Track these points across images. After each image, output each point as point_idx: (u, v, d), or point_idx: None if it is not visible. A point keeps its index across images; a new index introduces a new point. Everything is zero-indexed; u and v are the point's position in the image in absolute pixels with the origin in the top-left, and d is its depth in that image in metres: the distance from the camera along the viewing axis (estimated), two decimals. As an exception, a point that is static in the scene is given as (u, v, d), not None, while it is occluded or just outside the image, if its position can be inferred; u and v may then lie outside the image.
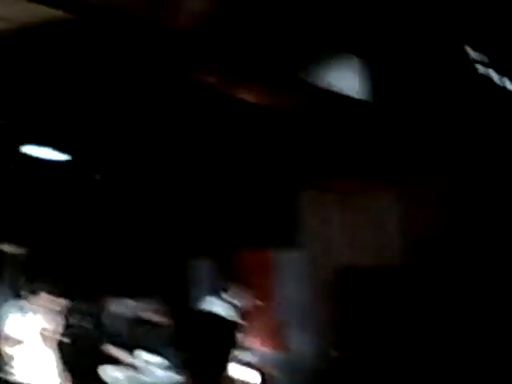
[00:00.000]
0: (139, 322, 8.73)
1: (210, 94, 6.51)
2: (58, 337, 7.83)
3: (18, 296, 7.83)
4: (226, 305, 9.57)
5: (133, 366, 8.43)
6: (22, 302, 7.73)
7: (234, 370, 3.14)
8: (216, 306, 9.37)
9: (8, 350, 7.55)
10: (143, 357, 8.52)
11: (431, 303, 9.20)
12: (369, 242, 10.22)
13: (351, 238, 10.33)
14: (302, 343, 10.35)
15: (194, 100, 6.90)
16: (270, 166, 9.43)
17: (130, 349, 8.54)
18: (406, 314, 9.39)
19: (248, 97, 6.61)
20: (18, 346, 7.56)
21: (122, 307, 10.12)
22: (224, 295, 9.61)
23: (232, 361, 3.27)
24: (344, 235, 10.36)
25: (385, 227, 10.21)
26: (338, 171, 9.75)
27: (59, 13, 5.25)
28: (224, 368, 3.24)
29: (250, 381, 9.31)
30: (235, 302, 9.63)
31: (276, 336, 10.52)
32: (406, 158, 9.27)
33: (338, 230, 10.36)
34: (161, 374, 8.51)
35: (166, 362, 8.52)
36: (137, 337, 8.59)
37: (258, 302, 10.31)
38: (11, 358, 7.54)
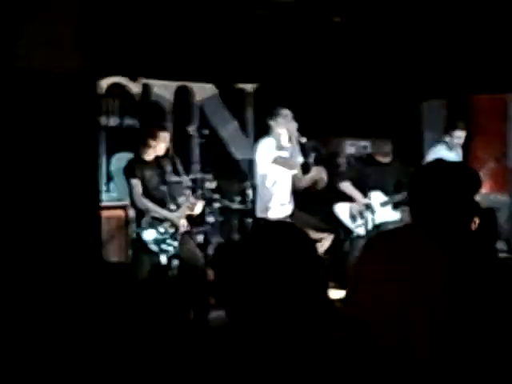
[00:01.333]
0: (372, 162, 8.84)
1: None
2: (286, 172, 8.05)
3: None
4: (454, 151, 9.49)
5: (366, 205, 8.64)
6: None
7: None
8: (444, 153, 9.31)
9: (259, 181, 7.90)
10: (375, 196, 8.70)
11: None
12: None
13: None
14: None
15: None
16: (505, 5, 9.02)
17: (363, 188, 8.72)
18: None
19: None
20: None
21: (356, 148, 10.33)
22: (453, 139, 9.47)
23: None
24: None
25: None
26: None
27: None
28: (455, 218, 3.22)
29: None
30: (460, 141, 9.48)
31: (502, 180, 10.39)
32: None
33: None
34: (391, 213, 8.68)
35: (395, 202, 8.66)
36: (369, 177, 8.72)
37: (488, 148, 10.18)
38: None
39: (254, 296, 2.18)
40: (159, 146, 7.67)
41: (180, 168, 7.99)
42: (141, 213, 7.62)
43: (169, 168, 7.81)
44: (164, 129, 8.00)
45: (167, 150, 7.87)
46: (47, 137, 7.12)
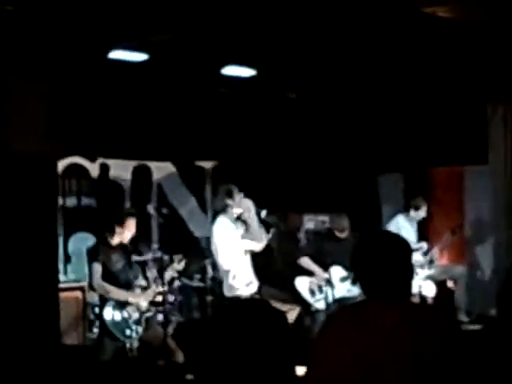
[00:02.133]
0: (331, 237, 8.91)
1: (408, 10, 6.49)
2: (255, 246, 8.01)
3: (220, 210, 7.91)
4: (412, 223, 9.67)
5: (326, 280, 8.66)
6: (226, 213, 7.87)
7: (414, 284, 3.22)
8: (402, 224, 9.47)
9: (223, 261, 7.83)
10: (335, 271, 8.73)
11: None
12: None
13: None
14: (484, 259, 10.28)
15: (393, 18, 6.87)
16: (461, 81, 9.25)
17: (323, 263, 8.76)
18: None
19: (444, 13, 6.52)
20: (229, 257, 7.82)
21: (316, 223, 10.39)
22: (411, 212, 9.71)
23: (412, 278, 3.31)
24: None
25: None
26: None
27: None
28: (404, 287, 3.27)
29: (428, 293, 9.38)
30: (421, 218, 9.75)
31: (459, 251, 10.50)
32: None
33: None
34: (350, 288, 8.70)
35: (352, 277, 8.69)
36: (329, 252, 8.78)
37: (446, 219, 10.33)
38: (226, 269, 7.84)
39: (225, 373, 2.16)
40: (125, 234, 7.69)
41: (143, 247, 7.96)
42: (104, 297, 7.57)
43: (131, 249, 7.80)
44: (132, 215, 7.95)
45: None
46: (5, 217, 7.07)
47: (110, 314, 7.48)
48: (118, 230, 7.64)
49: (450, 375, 3.01)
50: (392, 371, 3.01)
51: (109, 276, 7.56)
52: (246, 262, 7.85)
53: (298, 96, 9.91)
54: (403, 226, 9.46)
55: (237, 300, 2.45)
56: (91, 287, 7.72)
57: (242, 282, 7.76)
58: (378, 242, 3.33)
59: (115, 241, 7.69)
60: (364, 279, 3.27)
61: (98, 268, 7.51)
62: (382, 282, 3.20)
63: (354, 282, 9.00)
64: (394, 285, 3.20)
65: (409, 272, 3.26)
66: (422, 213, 9.76)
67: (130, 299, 7.54)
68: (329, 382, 3.11)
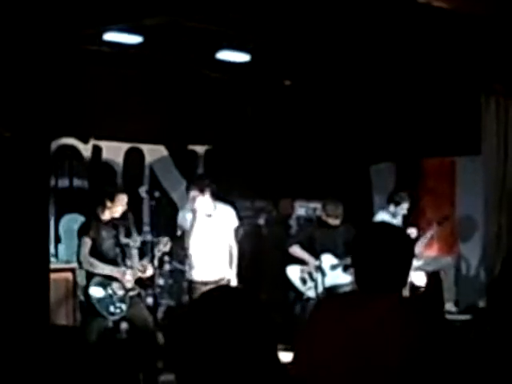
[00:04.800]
0: (322, 224, 8.90)
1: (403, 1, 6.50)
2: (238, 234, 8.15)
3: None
4: (396, 218, 9.48)
5: (317, 267, 8.67)
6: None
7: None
8: (388, 219, 9.36)
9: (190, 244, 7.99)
10: (326, 259, 8.74)
11: None
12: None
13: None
14: (473, 250, 10.31)
15: (391, 9, 6.86)
16: (455, 72, 9.26)
17: (313, 250, 8.77)
18: None
19: (439, 3, 6.53)
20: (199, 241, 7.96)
21: (307, 210, 10.40)
22: (391, 207, 9.47)
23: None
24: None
25: None
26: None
27: None
28: (401, 280, 3.28)
29: (417, 283, 9.40)
30: (402, 214, 9.53)
31: (449, 242, 10.53)
32: None
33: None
34: (341, 276, 8.72)
35: (345, 265, 8.71)
36: (320, 239, 8.78)
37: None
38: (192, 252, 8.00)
39: (204, 360, 2.16)
40: (115, 208, 7.72)
41: (133, 230, 8.00)
42: (90, 274, 7.60)
43: (122, 230, 7.82)
44: (122, 191, 7.99)
45: (124, 212, 7.88)
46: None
47: (94, 290, 7.52)
48: (109, 204, 7.67)
49: (436, 368, 3.03)
50: (378, 360, 3.02)
51: (97, 252, 7.61)
52: (212, 243, 7.96)
53: (292, 83, 9.91)
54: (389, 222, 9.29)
55: (215, 288, 2.42)
56: (78, 261, 7.75)
57: (204, 262, 7.91)
58: (381, 235, 3.31)
59: (106, 216, 7.72)
60: (362, 270, 3.26)
61: (87, 242, 7.57)
62: (381, 274, 3.20)
63: (344, 270, 9.09)
64: (391, 278, 3.21)
65: (408, 266, 3.27)
66: (402, 210, 9.43)
67: (115, 274, 7.59)
68: (316, 367, 3.12)
